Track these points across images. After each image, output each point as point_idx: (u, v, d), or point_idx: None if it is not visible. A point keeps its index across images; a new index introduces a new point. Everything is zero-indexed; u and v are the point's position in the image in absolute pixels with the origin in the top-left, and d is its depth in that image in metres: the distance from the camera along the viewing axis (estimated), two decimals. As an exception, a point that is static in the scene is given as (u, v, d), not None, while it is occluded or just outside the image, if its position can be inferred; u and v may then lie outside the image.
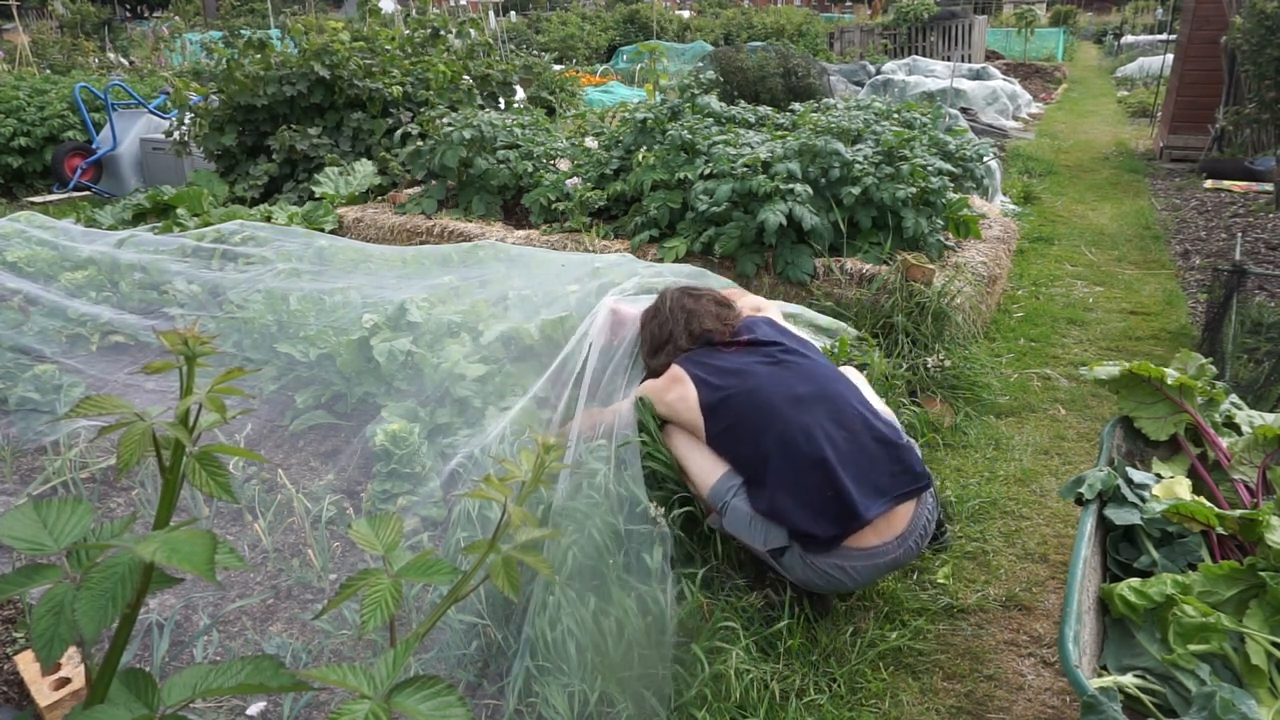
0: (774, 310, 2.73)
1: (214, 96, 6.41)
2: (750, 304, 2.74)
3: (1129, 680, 1.51)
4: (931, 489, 2.19)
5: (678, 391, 2.29)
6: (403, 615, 2.19)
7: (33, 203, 7.68)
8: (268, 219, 5.00)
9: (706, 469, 2.25)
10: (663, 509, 2.19)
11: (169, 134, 6.63)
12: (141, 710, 0.73)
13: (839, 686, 2.05)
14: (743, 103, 5.78)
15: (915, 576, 2.46)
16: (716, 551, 2.32)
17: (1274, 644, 1.52)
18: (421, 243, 4.87)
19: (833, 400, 2.18)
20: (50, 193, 8.07)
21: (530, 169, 5.15)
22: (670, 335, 2.44)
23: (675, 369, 2.34)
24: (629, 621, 1.94)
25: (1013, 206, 6.58)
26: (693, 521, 2.34)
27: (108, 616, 0.65)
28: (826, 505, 2.04)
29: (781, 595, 2.25)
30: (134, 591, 0.68)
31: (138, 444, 0.70)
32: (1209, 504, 1.80)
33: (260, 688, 0.71)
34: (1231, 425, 2.23)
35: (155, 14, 28.51)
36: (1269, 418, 2.18)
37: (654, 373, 2.47)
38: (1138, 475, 1.98)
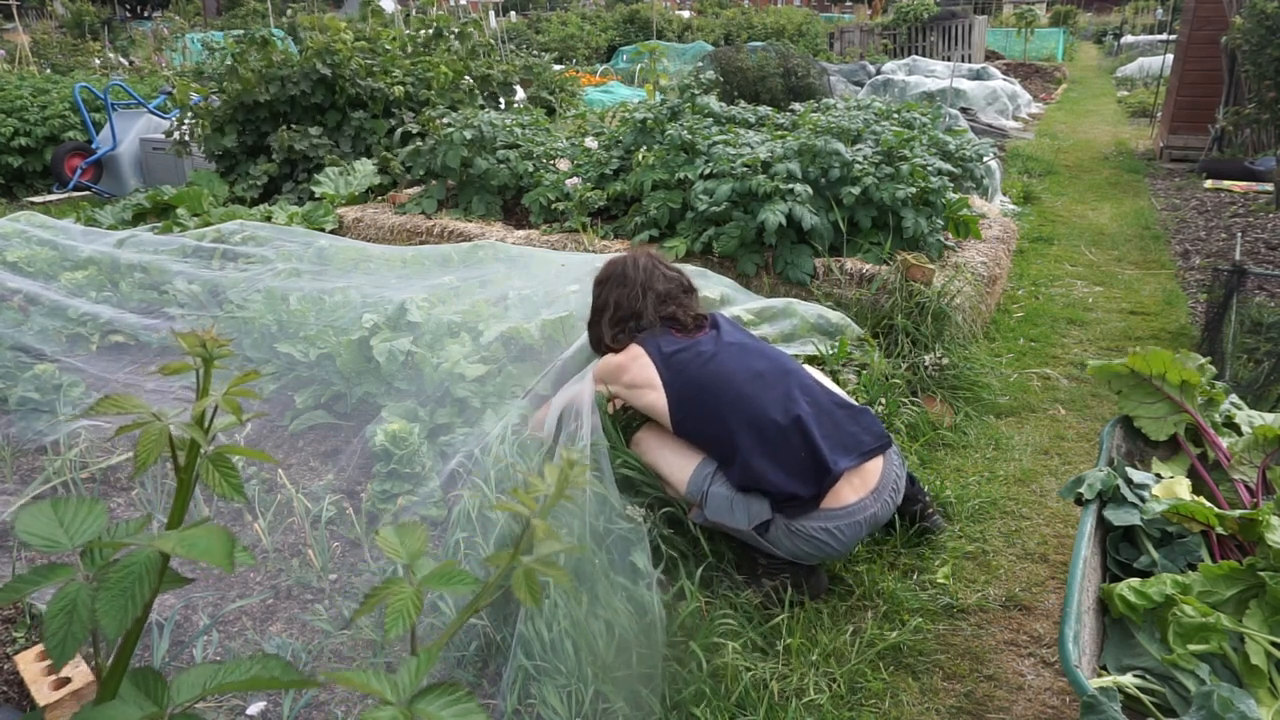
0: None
1: (214, 96, 6.41)
2: None
3: (1129, 680, 1.52)
4: (895, 448, 2.34)
5: (638, 373, 2.30)
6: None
7: (33, 203, 7.67)
8: (268, 219, 5.00)
9: (680, 465, 2.30)
10: (641, 509, 2.20)
11: (169, 134, 6.63)
12: (151, 708, 0.74)
13: (839, 686, 2.06)
14: (743, 103, 5.78)
15: (915, 576, 2.47)
16: (711, 551, 2.33)
17: (1274, 644, 1.52)
18: (421, 243, 4.87)
19: (793, 374, 2.32)
20: (50, 193, 8.06)
21: (530, 169, 5.15)
22: (636, 312, 2.39)
23: (634, 348, 2.35)
24: (618, 620, 1.96)
25: (1012, 206, 6.59)
26: (681, 522, 2.35)
27: (128, 614, 0.66)
28: (803, 465, 2.15)
29: (776, 579, 2.27)
30: (151, 589, 0.69)
31: (155, 444, 0.71)
32: (1209, 504, 1.80)
33: (271, 683, 0.71)
34: (1231, 425, 2.24)
35: (156, 14, 28.50)
36: (1269, 418, 2.18)
37: (609, 351, 2.44)
38: (1138, 475, 1.99)
